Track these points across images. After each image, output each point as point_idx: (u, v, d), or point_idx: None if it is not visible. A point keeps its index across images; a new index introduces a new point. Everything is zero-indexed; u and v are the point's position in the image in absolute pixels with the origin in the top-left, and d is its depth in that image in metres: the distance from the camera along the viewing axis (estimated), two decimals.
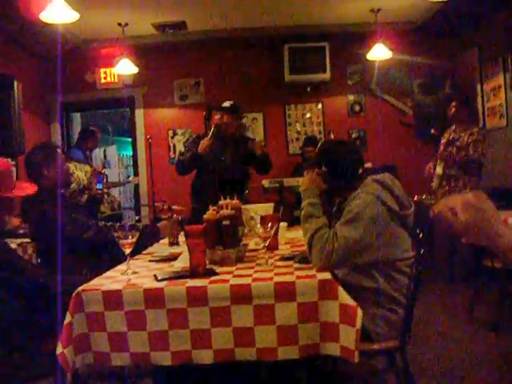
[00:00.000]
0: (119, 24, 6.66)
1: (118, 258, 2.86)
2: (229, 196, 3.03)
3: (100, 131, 6.90)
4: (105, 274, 2.63)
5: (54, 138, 7.83)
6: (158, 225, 4.06)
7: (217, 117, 5.07)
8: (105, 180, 6.48)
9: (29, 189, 2.83)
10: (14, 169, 4.52)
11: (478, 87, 7.22)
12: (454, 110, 6.05)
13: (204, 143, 4.95)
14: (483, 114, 7.13)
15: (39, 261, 3.96)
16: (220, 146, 5.08)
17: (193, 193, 5.34)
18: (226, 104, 5.07)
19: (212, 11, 6.69)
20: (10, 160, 5.12)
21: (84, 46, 7.44)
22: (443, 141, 6.11)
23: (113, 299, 2.25)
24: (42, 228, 3.63)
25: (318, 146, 3.01)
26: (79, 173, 5.89)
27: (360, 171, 2.83)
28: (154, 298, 2.23)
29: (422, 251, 2.64)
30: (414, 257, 2.65)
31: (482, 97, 7.15)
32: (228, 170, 5.05)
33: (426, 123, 7.36)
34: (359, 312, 2.13)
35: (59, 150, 3.83)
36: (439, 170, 6.07)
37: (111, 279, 2.48)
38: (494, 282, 4.58)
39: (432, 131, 6.51)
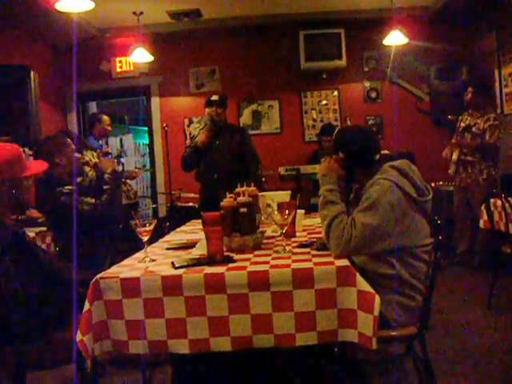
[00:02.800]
0: (134, 13, 6.65)
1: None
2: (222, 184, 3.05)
3: (109, 117, 6.85)
4: (123, 262, 2.64)
5: (71, 128, 7.87)
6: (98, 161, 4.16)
7: (208, 110, 5.27)
8: (119, 166, 6.52)
9: (40, 166, 2.86)
10: (31, 158, 4.54)
11: (496, 73, 7.14)
12: (470, 95, 6.00)
13: (201, 137, 5.22)
14: (501, 99, 7.05)
15: (57, 249, 4.00)
16: (212, 135, 5.28)
17: (196, 179, 5.59)
18: (215, 97, 5.29)
19: None
20: (27, 149, 5.15)
21: (99, 35, 7.45)
22: (459, 127, 6.07)
23: (131, 287, 2.26)
24: (57, 216, 3.67)
25: (335, 132, 2.99)
26: (96, 161, 5.92)
27: (377, 157, 2.81)
28: (171, 286, 2.24)
29: (440, 238, 2.62)
30: (433, 243, 2.63)
31: (500, 82, 7.07)
32: (224, 155, 5.26)
33: (443, 109, 7.30)
34: (377, 299, 2.12)
35: (69, 140, 3.85)
36: (455, 156, 6.03)
37: (129, 267, 2.49)
38: None
39: (449, 117, 6.46)
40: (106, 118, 6.73)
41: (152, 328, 2.25)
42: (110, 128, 6.78)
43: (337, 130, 3.05)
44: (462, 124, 6.06)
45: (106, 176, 3.87)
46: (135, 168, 9.24)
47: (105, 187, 3.82)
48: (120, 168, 6.61)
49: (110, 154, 5.89)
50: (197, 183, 5.62)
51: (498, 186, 5.87)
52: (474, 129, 5.89)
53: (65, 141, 3.84)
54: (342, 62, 7.57)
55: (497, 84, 7.14)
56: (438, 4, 7.10)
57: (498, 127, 5.78)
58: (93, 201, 3.66)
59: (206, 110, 5.30)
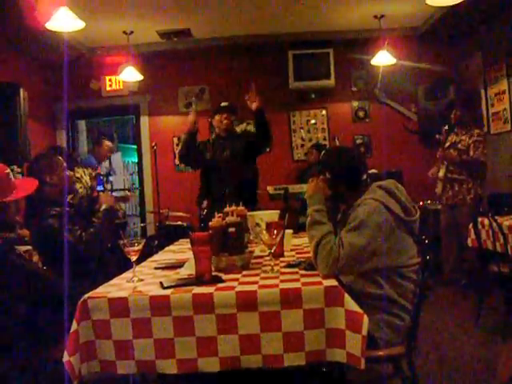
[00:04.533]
0: (124, 32, 6.70)
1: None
2: (236, 201, 3.04)
3: (114, 142, 6.91)
4: (111, 282, 2.64)
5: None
6: (100, 194, 4.11)
7: (217, 118, 5.11)
8: (105, 180, 6.52)
9: (29, 186, 2.85)
10: (19, 176, 4.53)
11: (482, 92, 7.22)
12: (456, 115, 6.06)
13: (190, 118, 5.07)
14: (487, 118, 7.13)
15: (44, 268, 3.98)
16: (220, 145, 5.11)
17: (202, 196, 5.29)
18: (225, 104, 5.16)
19: (216, 19, 6.73)
20: (16, 167, 5.14)
21: (89, 54, 7.49)
22: (445, 144, 6.12)
23: (119, 307, 2.25)
24: (42, 238, 3.65)
25: (322, 153, 3.02)
26: (87, 178, 5.92)
27: (364, 177, 2.83)
28: (159, 306, 2.23)
29: (427, 257, 2.64)
30: (420, 263, 2.65)
31: (487, 102, 7.15)
32: (232, 166, 5.02)
33: (431, 129, 7.36)
34: (365, 318, 2.13)
35: (60, 158, 3.84)
36: (441, 173, 6.07)
37: (117, 286, 2.49)
38: (500, 288, 4.57)
39: (437, 136, 6.51)
40: (106, 143, 6.77)
41: (140, 348, 2.24)
42: (109, 154, 6.81)
43: (324, 151, 3.08)
44: (448, 142, 6.11)
45: (101, 210, 3.84)
46: (126, 190, 9.24)
47: (94, 220, 3.78)
48: (109, 187, 6.61)
49: (101, 175, 5.89)
50: (187, 202, 5.58)
51: (485, 205, 5.90)
52: (459, 145, 5.94)
53: (56, 159, 3.83)
54: (331, 82, 7.63)
55: (483, 103, 7.22)
56: (425, 25, 7.20)
57: (482, 143, 5.84)
58: (78, 232, 3.62)
59: (216, 117, 5.14)
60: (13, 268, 2.56)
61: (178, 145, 7.97)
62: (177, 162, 7.98)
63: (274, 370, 2.24)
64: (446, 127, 6.26)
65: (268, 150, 5.14)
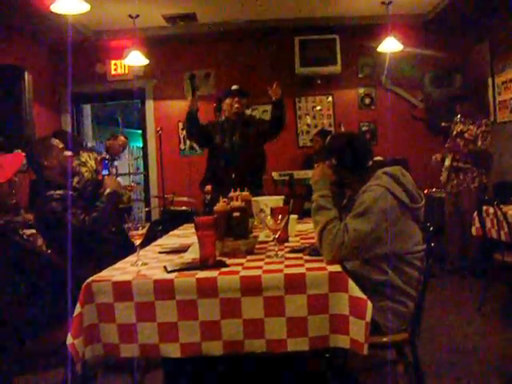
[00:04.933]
0: (130, 16, 6.67)
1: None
2: (241, 186, 3.03)
3: (127, 141, 6.91)
4: (115, 265, 2.64)
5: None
6: (105, 177, 4.11)
7: (228, 101, 4.99)
8: (110, 164, 6.52)
9: (14, 163, 2.85)
10: (25, 160, 4.52)
11: (489, 81, 7.18)
12: (461, 107, 6.04)
13: (188, 100, 4.99)
14: (494, 107, 7.09)
15: (49, 251, 3.98)
16: (229, 128, 5.00)
17: (206, 180, 5.24)
18: (235, 87, 5.04)
19: (222, 3, 6.69)
20: (20, 151, 5.14)
21: (95, 38, 7.45)
22: (453, 133, 6.09)
23: (123, 290, 2.26)
24: (44, 222, 3.64)
25: (327, 138, 3.00)
26: (92, 162, 5.91)
27: (370, 163, 2.82)
28: (163, 290, 2.24)
29: (432, 244, 2.63)
30: (425, 250, 2.64)
31: (493, 90, 7.11)
32: (240, 151, 4.93)
33: (437, 116, 7.34)
34: (369, 305, 2.13)
35: (57, 141, 3.83)
36: (447, 162, 6.05)
37: (121, 270, 2.49)
38: (504, 277, 4.57)
39: (443, 124, 6.49)
40: (121, 138, 6.79)
41: (144, 332, 2.25)
42: (120, 149, 6.82)
43: (329, 136, 3.06)
44: (454, 132, 6.09)
45: (105, 194, 3.83)
46: (131, 182, 9.24)
47: (98, 204, 3.77)
48: (114, 171, 6.60)
49: (106, 159, 5.88)
50: (192, 187, 5.56)
51: (490, 193, 5.89)
52: (466, 135, 5.92)
53: (52, 142, 3.82)
54: (337, 68, 7.60)
55: (490, 92, 7.18)
56: (432, 12, 7.15)
57: (489, 133, 5.81)
58: (82, 216, 3.61)
59: (226, 101, 5.01)
60: (16, 249, 2.57)
61: (183, 129, 7.96)
62: (182, 146, 7.99)
63: (276, 355, 2.25)
64: (444, 124, 6.24)
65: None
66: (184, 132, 7.97)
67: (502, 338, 4.00)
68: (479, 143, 5.79)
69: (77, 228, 3.53)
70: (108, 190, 3.83)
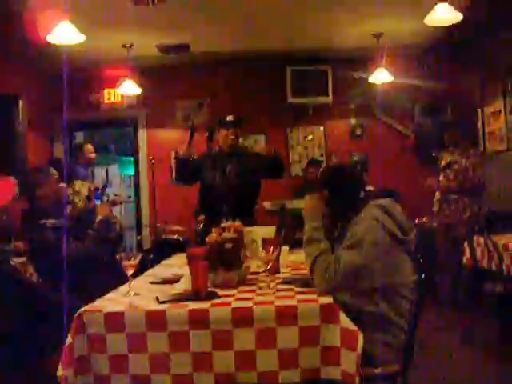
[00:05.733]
0: (124, 45, 6.73)
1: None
2: (233, 216, 3.03)
3: (92, 145, 6.79)
4: (106, 295, 2.64)
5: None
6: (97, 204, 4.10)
7: (223, 133, 4.87)
8: (105, 196, 6.49)
9: (4, 192, 2.86)
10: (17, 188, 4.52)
11: (479, 111, 7.27)
12: (450, 138, 6.13)
13: (183, 145, 4.92)
14: (483, 137, 7.16)
15: (40, 280, 3.97)
16: (223, 160, 4.90)
17: (200, 210, 5.19)
18: (231, 117, 4.91)
19: (215, 34, 6.77)
20: (13, 178, 5.14)
21: (89, 67, 7.50)
22: (442, 165, 6.15)
23: (115, 321, 2.25)
24: (38, 251, 3.64)
25: (320, 170, 3.04)
26: (85, 190, 5.89)
27: (361, 195, 2.84)
28: (155, 321, 2.24)
29: (423, 276, 2.65)
30: (416, 281, 2.65)
31: (483, 121, 7.19)
32: (234, 184, 4.83)
33: (428, 146, 7.40)
34: (360, 336, 2.14)
35: (53, 171, 3.85)
36: (438, 194, 6.11)
37: (113, 300, 2.49)
38: (495, 307, 4.58)
39: (434, 154, 6.54)
40: (88, 146, 6.67)
41: (135, 363, 2.24)
42: (92, 156, 6.69)
43: (322, 168, 3.10)
44: (443, 162, 6.15)
45: (97, 221, 3.84)
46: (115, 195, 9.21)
47: (90, 232, 3.78)
48: (106, 200, 6.58)
49: (99, 189, 5.87)
50: (183, 216, 5.55)
51: (482, 223, 5.92)
52: (455, 166, 5.98)
53: (48, 172, 3.84)
54: (328, 99, 7.67)
55: (480, 122, 7.26)
56: (423, 44, 7.26)
57: (480, 164, 5.88)
58: (74, 245, 3.62)
59: (221, 132, 4.87)
60: (6, 278, 2.56)
61: (175, 159, 7.98)
62: (174, 175, 8.00)
63: None
64: (434, 154, 6.32)
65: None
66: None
67: (494, 370, 4.00)
68: (470, 174, 5.85)
69: (69, 256, 3.52)
70: (100, 217, 3.85)
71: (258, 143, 4.91)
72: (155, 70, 7.78)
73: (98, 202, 5.90)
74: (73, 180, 5.79)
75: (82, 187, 5.91)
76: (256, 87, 7.95)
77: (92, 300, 2.49)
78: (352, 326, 2.17)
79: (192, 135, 4.89)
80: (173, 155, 7.95)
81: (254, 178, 5.00)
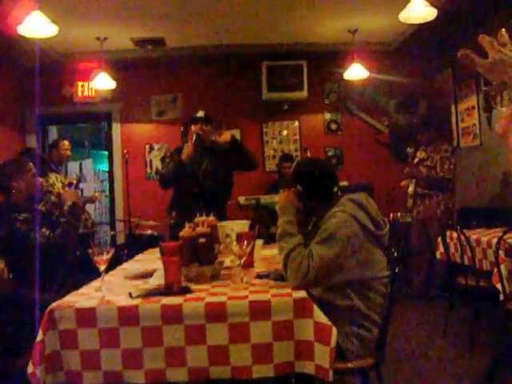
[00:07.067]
0: (98, 38, 6.65)
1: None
2: (207, 211, 3.02)
3: (69, 142, 6.71)
4: (78, 291, 2.61)
5: None
6: (62, 192, 4.08)
7: (194, 128, 4.92)
8: (78, 190, 6.40)
9: None
10: None
11: (453, 108, 7.33)
12: (424, 137, 6.20)
13: (187, 149, 4.83)
14: (457, 133, 7.23)
15: (11, 276, 3.92)
16: (198, 155, 4.91)
17: (173, 206, 5.19)
18: (201, 114, 4.95)
19: (191, 28, 6.72)
20: None
21: (62, 59, 7.40)
22: (413, 160, 6.22)
23: (86, 317, 2.23)
24: (9, 243, 3.59)
25: (293, 165, 3.03)
26: (59, 185, 5.82)
27: (335, 190, 2.85)
28: (128, 316, 2.22)
29: (396, 270, 2.66)
30: (389, 275, 2.67)
31: (457, 117, 7.26)
32: (208, 178, 4.88)
33: (402, 142, 7.44)
34: (334, 330, 2.14)
35: (31, 165, 3.80)
36: (411, 188, 6.17)
37: (85, 296, 2.46)
38: (467, 300, 4.63)
39: (407, 150, 6.60)
40: (64, 143, 6.61)
41: (107, 358, 2.22)
42: (67, 153, 6.63)
43: (295, 163, 3.10)
44: (416, 159, 6.22)
45: (65, 208, 3.80)
46: (95, 192, 9.11)
47: (62, 220, 3.74)
48: (79, 193, 6.51)
49: (73, 184, 5.78)
50: (158, 211, 5.51)
51: (455, 218, 5.99)
52: (428, 162, 6.04)
53: (26, 165, 3.79)
54: (304, 94, 7.67)
55: (453, 118, 7.33)
56: (397, 40, 7.29)
57: (449, 158, 5.94)
58: (47, 233, 3.58)
59: (192, 127, 4.93)
60: None
61: (149, 152, 7.94)
62: (148, 170, 7.95)
63: (242, 381, 2.24)
64: (408, 150, 6.38)
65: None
66: (151, 156, 7.96)
67: (466, 363, 4.04)
68: (438, 170, 5.92)
69: (43, 247, 3.49)
70: (68, 203, 3.81)
71: (222, 134, 4.82)
72: (130, 64, 7.70)
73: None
74: (47, 173, 5.73)
75: (56, 180, 5.84)
76: (231, 82, 7.93)
77: (63, 296, 2.46)
78: (325, 320, 2.17)
79: (197, 143, 4.85)
80: (147, 149, 7.91)
81: (226, 173, 5.01)
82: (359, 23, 6.64)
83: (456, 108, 7.27)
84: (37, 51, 6.00)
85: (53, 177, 5.84)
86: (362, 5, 6.08)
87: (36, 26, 4.47)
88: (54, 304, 2.28)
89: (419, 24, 5.76)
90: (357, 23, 6.65)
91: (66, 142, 6.63)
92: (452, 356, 4.22)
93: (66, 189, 4.20)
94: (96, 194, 7.36)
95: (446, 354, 4.28)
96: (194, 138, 4.88)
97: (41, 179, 4.13)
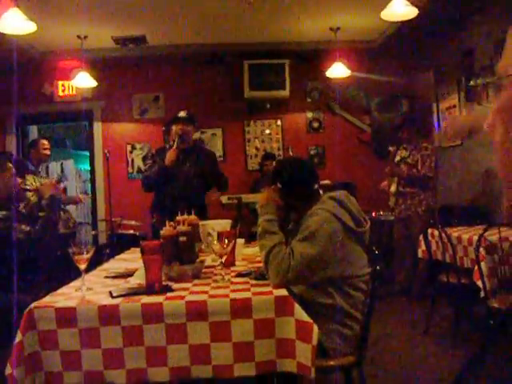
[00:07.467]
0: (78, 36, 6.60)
1: None
2: (188, 210, 3.01)
3: (48, 141, 6.61)
4: (58, 291, 2.58)
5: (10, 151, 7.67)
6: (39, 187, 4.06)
7: (174, 127, 4.94)
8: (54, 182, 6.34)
9: None
10: None
11: (434, 106, 7.37)
12: (404, 135, 6.23)
13: (170, 155, 4.82)
14: (439, 132, 7.27)
15: None
16: (180, 156, 4.92)
17: (154, 206, 5.19)
18: (182, 114, 4.99)
19: (172, 26, 6.70)
20: None
21: (42, 58, 7.33)
22: (396, 159, 6.25)
23: (66, 316, 2.21)
24: None
25: (274, 163, 3.04)
26: (38, 185, 5.76)
27: (315, 187, 2.84)
28: (108, 315, 2.20)
29: (377, 267, 2.67)
30: (370, 273, 2.67)
31: (438, 116, 7.30)
32: (188, 180, 4.91)
33: (383, 141, 7.48)
34: (315, 328, 2.14)
35: (10, 165, 3.77)
36: (393, 188, 6.20)
37: (65, 296, 2.44)
38: (449, 297, 4.66)
39: (389, 149, 6.63)
40: (42, 142, 6.50)
41: (88, 359, 2.20)
42: (47, 152, 6.52)
43: (275, 161, 3.10)
44: (398, 157, 6.25)
45: (43, 202, 3.78)
46: (80, 193, 9.02)
47: (40, 214, 3.72)
48: (60, 192, 6.45)
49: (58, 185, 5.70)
50: (140, 211, 5.49)
51: (436, 216, 6.02)
52: (409, 160, 6.08)
53: (4, 165, 3.75)
54: (286, 93, 7.67)
55: (435, 117, 7.37)
56: (379, 39, 7.32)
57: (429, 156, 5.98)
58: (27, 228, 3.55)
59: (173, 127, 4.96)
60: None
61: (131, 152, 7.90)
62: (130, 169, 7.91)
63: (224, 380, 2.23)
64: (390, 148, 6.41)
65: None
66: (133, 155, 7.92)
67: (449, 359, 4.06)
68: (419, 167, 5.96)
69: (23, 245, 3.46)
70: (46, 197, 3.78)
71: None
72: (111, 62, 7.65)
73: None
74: (24, 175, 5.66)
75: (34, 181, 5.78)
76: (214, 81, 7.91)
77: (43, 296, 2.44)
78: (307, 318, 2.17)
79: (178, 145, 4.87)
80: (129, 148, 7.87)
81: (205, 174, 5.04)
82: (341, 22, 6.66)
83: (437, 107, 7.31)
84: (15, 49, 5.93)
85: (30, 178, 5.76)
86: (344, 3, 6.10)
87: (13, 24, 4.42)
88: (33, 304, 2.25)
89: (401, 23, 5.81)
90: (339, 22, 6.67)
91: (46, 142, 6.54)
92: (435, 353, 4.24)
93: (43, 181, 4.17)
94: (80, 196, 7.28)
95: (429, 350, 4.30)
96: (176, 141, 4.86)
97: (19, 179, 4.09)
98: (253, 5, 5.92)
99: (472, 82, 6.13)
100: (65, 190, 6.19)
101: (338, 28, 6.80)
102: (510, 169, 0.69)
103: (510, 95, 0.66)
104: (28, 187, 5.44)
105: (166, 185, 4.92)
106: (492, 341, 3.86)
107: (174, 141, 4.95)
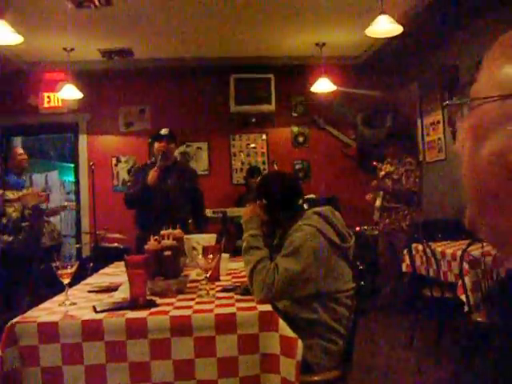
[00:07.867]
0: (65, 49, 6.59)
1: None
2: (172, 225, 3.01)
3: (25, 151, 6.48)
4: (41, 305, 2.56)
5: None
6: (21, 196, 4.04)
7: (157, 145, 4.94)
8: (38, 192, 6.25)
9: None
10: None
11: (419, 122, 7.43)
12: (389, 152, 6.27)
13: (153, 175, 4.81)
14: (423, 147, 7.33)
15: None
16: (162, 173, 4.90)
17: (136, 221, 5.18)
18: (165, 131, 4.96)
19: (159, 40, 6.72)
20: None
21: (28, 69, 7.31)
22: (381, 174, 6.29)
23: (49, 332, 2.18)
24: None
25: (258, 179, 3.05)
26: (20, 195, 5.67)
27: (299, 202, 2.85)
28: (92, 330, 2.18)
29: (362, 283, 2.68)
30: (354, 288, 2.68)
31: (422, 131, 7.36)
32: (170, 196, 4.89)
33: (368, 155, 7.52)
34: (299, 344, 2.14)
35: None
36: (378, 202, 6.23)
37: (48, 310, 2.41)
38: (432, 312, 4.68)
39: (374, 163, 6.66)
40: (15, 150, 6.35)
41: (70, 375, 2.18)
42: (24, 158, 6.31)
43: (260, 176, 3.11)
44: (383, 172, 6.29)
45: (27, 212, 3.75)
46: (65, 201, 8.92)
47: (23, 224, 3.69)
48: (43, 199, 6.36)
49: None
50: (124, 224, 5.47)
51: (420, 231, 6.05)
52: (394, 175, 6.11)
53: None
54: (271, 107, 7.70)
55: (419, 132, 7.43)
56: (364, 54, 7.39)
57: (413, 171, 6.02)
58: (10, 239, 3.53)
59: (156, 145, 4.95)
60: None
61: (116, 165, 7.88)
62: (115, 182, 7.88)
63: None
64: (375, 163, 6.45)
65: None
66: (118, 168, 7.89)
67: (432, 374, 4.07)
68: (404, 182, 6.00)
69: (5, 258, 3.43)
70: (29, 206, 3.76)
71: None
72: (97, 75, 7.64)
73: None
74: (4, 191, 5.55)
75: (14, 196, 5.68)
76: (199, 94, 7.91)
77: (25, 311, 2.41)
78: (291, 334, 2.17)
79: (162, 164, 4.86)
80: (114, 161, 7.84)
81: (186, 192, 5.04)
82: (327, 37, 6.73)
83: (422, 122, 7.37)
84: (1, 59, 5.92)
85: (9, 194, 5.65)
86: (329, 19, 6.15)
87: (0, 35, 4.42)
88: (14, 319, 2.23)
89: (386, 39, 5.86)
90: (325, 37, 6.74)
91: (19, 149, 6.40)
92: (419, 367, 4.24)
93: (25, 191, 4.13)
94: (65, 203, 7.19)
95: (412, 365, 4.31)
96: (159, 159, 4.86)
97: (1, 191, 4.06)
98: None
99: (448, 102, 6.19)
100: (47, 197, 6.09)
101: (324, 43, 6.86)
102: (470, 186, 0.70)
103: (480, 116, 0.67)
104: (8, 197, 5.37)
105: (149, 202, 4.90)
106: (475, 355, 3.88)
107: (155, 158, 4.95)
